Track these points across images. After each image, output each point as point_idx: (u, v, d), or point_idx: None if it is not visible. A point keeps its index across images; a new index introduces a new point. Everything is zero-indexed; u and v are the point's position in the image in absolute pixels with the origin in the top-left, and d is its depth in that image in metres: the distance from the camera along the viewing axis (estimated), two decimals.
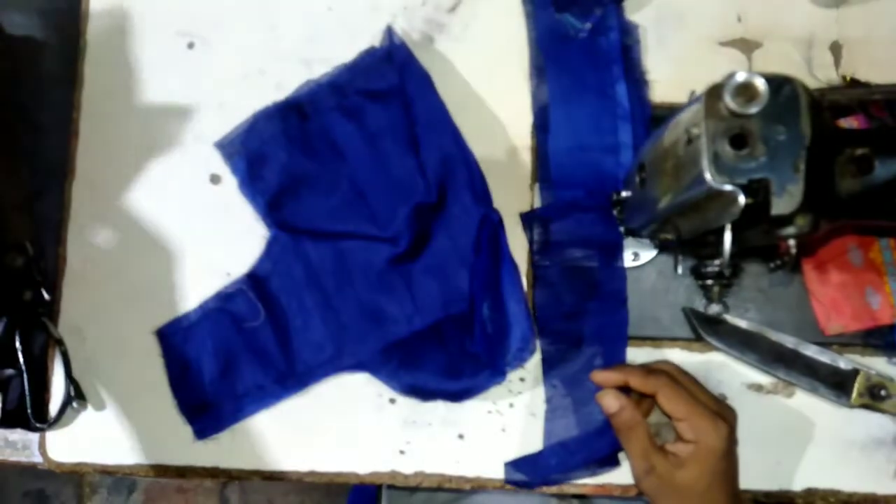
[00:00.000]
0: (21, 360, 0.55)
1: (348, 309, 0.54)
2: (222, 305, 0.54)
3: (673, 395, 0.47)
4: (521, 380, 0.54)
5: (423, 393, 0.53)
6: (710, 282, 0.48)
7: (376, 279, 0.54)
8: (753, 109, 0.36)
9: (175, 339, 0.55)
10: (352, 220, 0.54)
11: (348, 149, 0.54)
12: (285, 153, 0.54)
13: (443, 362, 0.53)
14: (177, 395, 0.54)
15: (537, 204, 0.55)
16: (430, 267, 0.54)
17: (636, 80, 0.53)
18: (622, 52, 0.53)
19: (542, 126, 0.55)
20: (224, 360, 0.54)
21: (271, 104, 0.55)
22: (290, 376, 0.54)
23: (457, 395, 0.53)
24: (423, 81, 0.54)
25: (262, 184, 0.55)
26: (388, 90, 0.54)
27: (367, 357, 0.53)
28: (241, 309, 0.54)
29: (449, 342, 0.53)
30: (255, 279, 0.54)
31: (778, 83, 0.37)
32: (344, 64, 0.56)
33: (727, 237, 0.39)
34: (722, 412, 0.48)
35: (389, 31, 0.55)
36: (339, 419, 0.54)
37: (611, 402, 0.49)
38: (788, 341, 0.52)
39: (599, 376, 0.50)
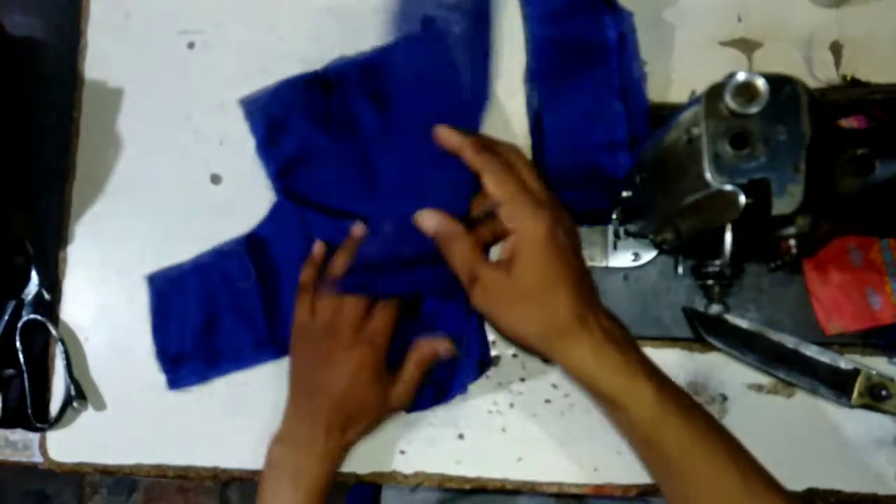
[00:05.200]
0: (22, 359, 0.55)
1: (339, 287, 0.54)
2: (216, 262, 0.55)
3: (500, 177, 0.43)
4: (522, 380, 0.54)
5: None
6: (710, 282, 0.48)
7: (373, 264, 0.54)
8: (754, 109, 0.36)
9: (164, 286, 0.55)
10: (358, 201, 0.54)
11: (366, 131, 0.54)
12: (304, 124, 0.54)
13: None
14: (157, 342, 0.55)
15: None
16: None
17: (632, 73, 0.52)
18: (616, 43, 0.52)
19: (535, 129, 0.54)
20: (208, 315, 0.54)
21: (298, 73, 0.55)
22: (270, 343, 0.54)
23: (423, 401, 0.53)
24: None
25: (277, 150, 0.55)
26: (416, 80, 0.54)
27: None
28: (233, 268, 0.54)
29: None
30: (253, 241, 0.55)
31: (778, 83, 0.37)
32: (379, 46, 0.55)
33: (727, 237, 0.39)
34: (551, 203, 0.44)
35: (425, 21, 0.54)
36: None
37: (428, 220, 0.46)
38: (789, 341, 0.52)
39: (443, 132, 0.47)
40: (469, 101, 0.53)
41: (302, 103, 0.55)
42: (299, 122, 0.55)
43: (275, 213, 0.55)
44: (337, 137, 0.54)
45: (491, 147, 0.47)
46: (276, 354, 0.54)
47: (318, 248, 0.54)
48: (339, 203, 0.54)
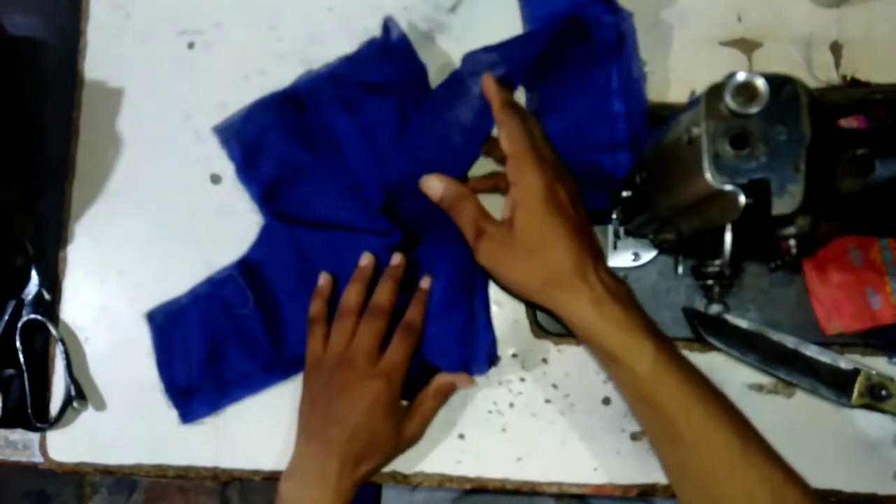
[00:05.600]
0: (22, 359, 0.55)
1: (337, 300, 0.54)
2: (213, 291, 0.55)
3: (514, 133, 0.45)
4: (522, 380, 0.54)
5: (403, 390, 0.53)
6: (710, 282, 0.48)
7: None
8: (754, 109, 0.36)
9: (164, 321, 0.55)
10: (346, 212, 0.54)
11: (345, 141, 0.54)
12: (281, 144, 0.54)
13: (416, 363, 0.53)
14: (163, 378, 0.54)
15: None
16: (422, 264, 0.54)
17: (631, 73, 0.52)
18: (616, 44, 0.52)
19: None
20: (212, 346, 0.54)
21: (268, 94, 0.56)
22: (278, 364, 0.54)
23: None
24: (420, 74, 0.54)
25: (258, 172, 0.55)
26: (386, 82, 0.54)
27: None
28: (231, 295, 0.54)
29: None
30: (247, 265, 0.55)
31: (778, 83, 0.37)
32: (344, 55, 0.56)
33: (727, 237, 0.39)
34: (555, 163, 0.46)
35: (388, 23, 0.55)
36: None
37: (434, 184, 0.48)
38: (789, 341, 0.52)
39: (487, 79, 0.48)
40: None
41: (276, 123, 0.55)
42: (275, 141, 0.55)
43: (265, 235, 0.55)
44: (315, 151, 0.55)
45: (514, 106, 0.48)
46: (285, 375, 0.54)
47: (323, 280, 0.54)
48: (326, 217, 0.54)
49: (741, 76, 0.36)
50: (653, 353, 0.43)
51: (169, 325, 0.55)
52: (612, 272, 0.46)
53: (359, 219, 0.54)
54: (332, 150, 0.54)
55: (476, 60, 0.51)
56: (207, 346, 0.54)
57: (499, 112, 0.47)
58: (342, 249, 0.54)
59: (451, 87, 0.51)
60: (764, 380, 0.53)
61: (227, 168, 0.57)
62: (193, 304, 0.55)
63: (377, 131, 0.54)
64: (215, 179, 0.57)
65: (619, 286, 0.45)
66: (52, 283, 0.56)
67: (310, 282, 0.54)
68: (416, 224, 0.54)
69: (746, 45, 0.55)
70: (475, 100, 0.50)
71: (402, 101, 0.53)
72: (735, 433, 0.43)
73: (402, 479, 0.54)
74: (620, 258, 0.54)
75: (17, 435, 0.56)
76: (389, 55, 0.54)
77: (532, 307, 0.54)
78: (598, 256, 0.46)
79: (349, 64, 0.55)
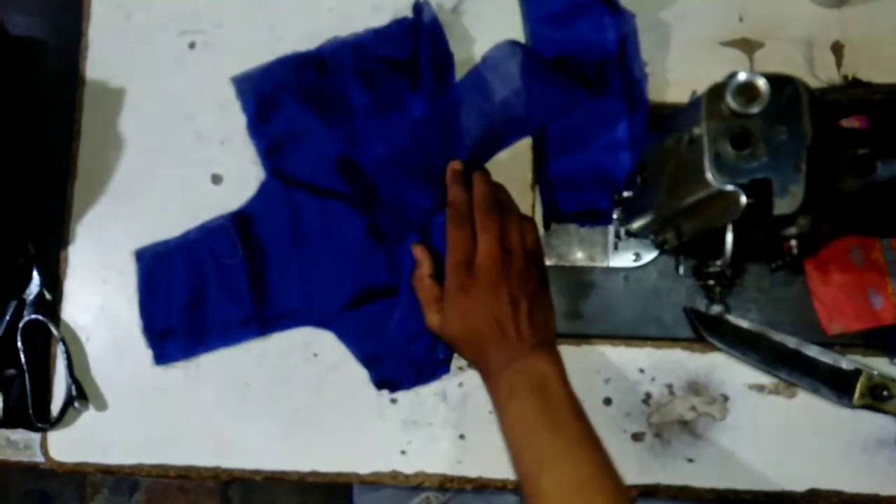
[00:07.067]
0: (23, 359, 0.55)
1: (325, 266, 0.54)
2: (203, 237, 0.55)
3: (451, 229, 0.50)
4: None
5: (381, 368, 0.54)
6: (711, 282, 0.48)
7: (357, 244, 0.54)
8: (755, 109, 0.36)
9: (151, 261, 0.55)
10: (340, 181, 0.54)
11: (357, 112, 0.55)
12: (296, 103, 0.55)
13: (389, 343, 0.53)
14: (143, 318, 0.55)
15: (538, 204, 0.55)
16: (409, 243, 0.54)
17: (632, 74, 0.53)
18: (617, 44, 0.52)
19: (537, 130, 0.54)
20: (195, 291, 0.54)
21: (292, 53, 0.56)
22: (256, 320, 0.54)
23: (405, 379, 0.54)
24: (445, 58, 0.54)
25: (268, 127, 0.55)
26: (409, 61, 0.54)
27: (335, 317, 0.54)
28: (220, 243, 0.55)
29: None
30: (240, 217, 0.55)
31: (779, 83, 0.37)
32: (372, 28, 0.56)
33: (729, 237, 0.39)
34: (478, 267, 0.49)
35: (421, 5, 0.55)
36: (340, 419, 0.54)
37: (414, 250, 0.52)
38: (790, 342, 0.52)
39: (451, 169, 0.52)
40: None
41: (294, 82, 0.55)
42: (290, 100, 0.55)
43: (263, 191, 0.55)
44: (327, 117, 0.55)
45: (457, 205, 0.51)
46: (262, 332, 0.54)
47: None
48: (324, 183, 0.55)
49: (742, 76, 0.36)
50: (517, 411, 0.47)
51: (155, 265, 0.55)
52: (524, 343, 0.48)
53: (348, 190, 0.54)
54: (342, 118, 0.55)
55: (501, 60, 0.52)
56: (190, 291, 0.54)
57: (447, 210, 0.51)
58: (335, 218, 0.55)
59: (474, 80, 0.53)
60: (765, 380, 0.53)
61: (227, 168, 0.57)
62: (182, 247, 0.55)
63: (391, 109, 0.54)
64: (216, 180, 0.57)
65: (510, 363, 0.48)
66: (54, 283, 0.56)
67: (300, 244, 0.54)
68: (401, 207, 0.54)
69: (748, 45, 0.55)
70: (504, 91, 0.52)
71: (422, 82, 0.53)
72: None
73: (403, 480, 0.54)
74: (621, 258, 0.54)
75: (18, 435, 0.56)
76: (416, 35, 0.54)
77: None
78: (507, 342, 0.48)
79: (376, 37, 0.56)
